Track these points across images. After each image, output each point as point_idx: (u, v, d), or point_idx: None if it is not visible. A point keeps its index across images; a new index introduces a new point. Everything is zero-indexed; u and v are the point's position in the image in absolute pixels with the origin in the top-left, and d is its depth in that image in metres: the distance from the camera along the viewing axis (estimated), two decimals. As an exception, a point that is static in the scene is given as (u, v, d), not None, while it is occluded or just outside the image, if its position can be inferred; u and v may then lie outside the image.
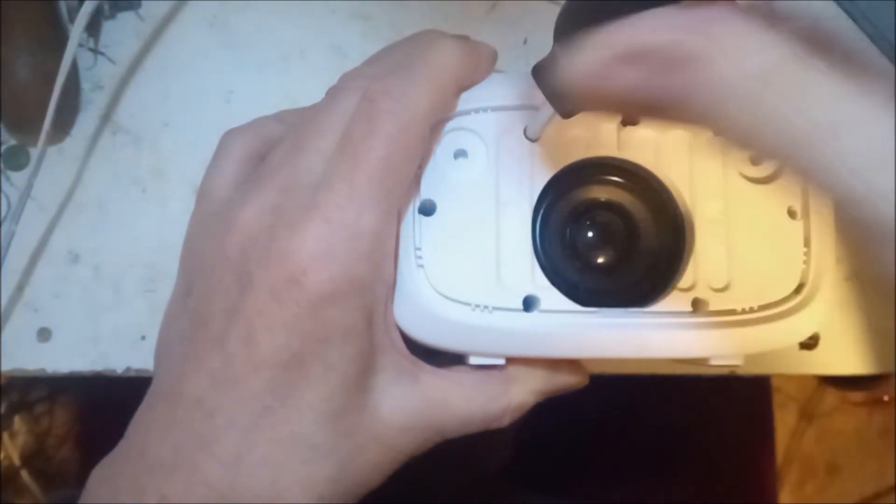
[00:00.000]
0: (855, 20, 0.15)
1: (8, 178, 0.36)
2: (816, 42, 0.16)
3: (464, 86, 0.26)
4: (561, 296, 0.26)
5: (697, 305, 0.26)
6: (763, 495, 0.57)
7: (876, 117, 0.15)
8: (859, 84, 0.16)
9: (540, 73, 0.22)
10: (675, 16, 0.16)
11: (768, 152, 0.17)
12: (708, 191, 0.26)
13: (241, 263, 0.24)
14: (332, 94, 0.26)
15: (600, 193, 0.27)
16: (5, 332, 0.35)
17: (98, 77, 0.37)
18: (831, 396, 1.10)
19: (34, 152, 0.33)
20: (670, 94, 0.16)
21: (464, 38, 0.27)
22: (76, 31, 0.32)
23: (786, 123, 0.16)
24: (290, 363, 0.23)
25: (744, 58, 0.16)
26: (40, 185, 0.35)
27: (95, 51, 0.37)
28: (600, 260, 0.27)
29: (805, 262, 0.26)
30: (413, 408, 0.25)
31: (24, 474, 0.84)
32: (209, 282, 0.24)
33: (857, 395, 1.10)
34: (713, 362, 0.26)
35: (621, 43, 0.17)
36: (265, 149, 0.27)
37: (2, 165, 0.36)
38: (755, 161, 0.27)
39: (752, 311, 0.26)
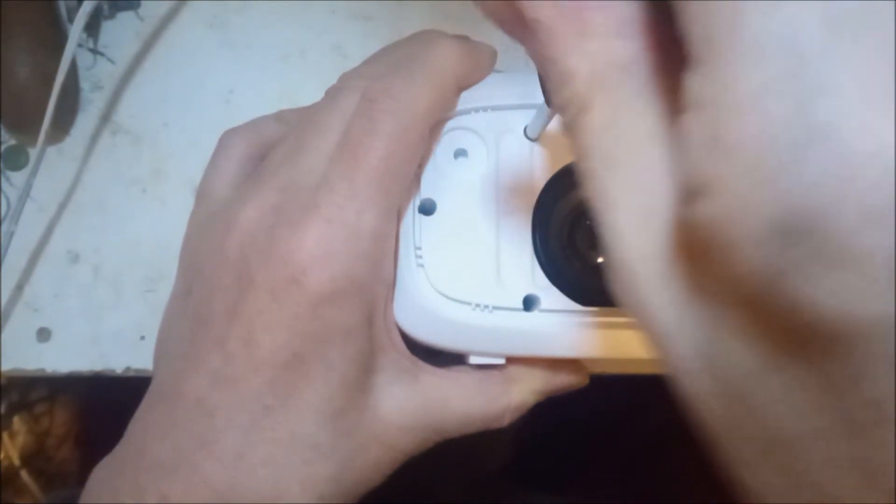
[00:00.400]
0: None
1: (7, 178, 0.36)
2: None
3: (464, 86, 0.26)
4: (561, 295, 0.26)
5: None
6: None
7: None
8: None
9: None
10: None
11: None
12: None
13: (241, 263, 0.24)
14: (332, 94, 0.26)
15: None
16: (5, 332, 0.35)
17: (98, 77, 0.37)
18: (831, 396, 1.10)
19: (34, 152, 0.33)
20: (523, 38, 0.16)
21: (464, 38, 0.27)
22: (76, 31, 0.32)
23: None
24: (291, 363, 0.23)
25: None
26: (40, 185, 0.35)
27: (95, 51, 0.37)
28: (600, 259, 0.27)
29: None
30: (413, 407, 0.25)
31: (24, 474, 0.84)
32: (209, 282, 0.24)
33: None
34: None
35: None
36: (265, 149, 0.27)
37: (1, 165, 0.36)
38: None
39: (752, 310, 0.26)
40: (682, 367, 0.14)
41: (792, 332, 0.11)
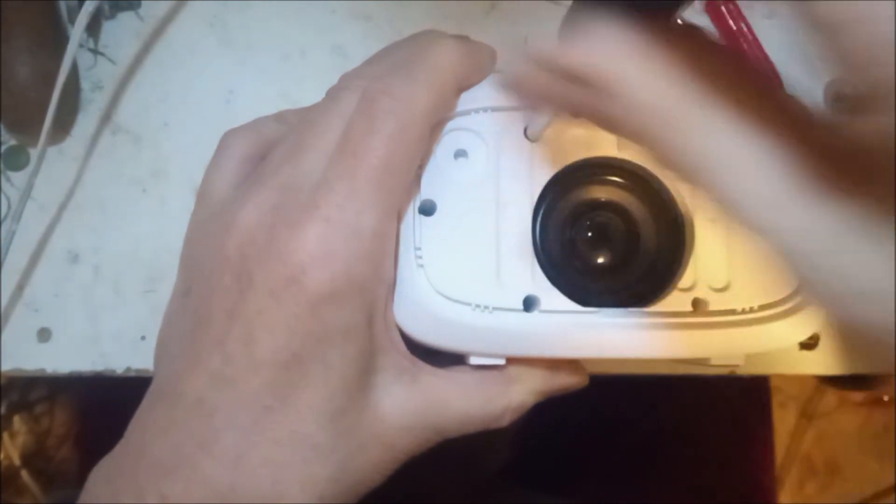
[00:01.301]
0: None
1: (8, 178, 0.36)
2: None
3: (464, 86, 0.26)
4: (561, 296, 0.26)
5: (697, 305, 0.26)
6: (763, 495, 0.57)
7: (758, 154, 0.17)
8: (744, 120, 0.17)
9: None
10: (599, 43, 0.18)
11: (680, 178, 0.18)
12: (708, 191, 0.26)
13: (241, 263, 0.24)
14: (332, 94, 0.26)
15: (600, 193, 0.27)
16: (5, 332, 0.35)
17: (98, 77, 0.37)
18: (831, 396, 1.10)
19: (34, 152, 0.33)
20: (582, 106, 0.19)
21: (464, 38, 0.27)
22: (76, 31, 0.32)
23: (683, 157, 0.17)
24: (291, 363, 0.23)
25: (644, 93, 0.17)
26: (40, 185, 0.35)
27: (95, 51, 0.37)
28: (600, 260, 0.27)
29: (805, 262, 0.26)
30: (413, 408, 0.25)
31: (24, 474, 0.84)
32: (209, 282, 0.24)
33: (857, 395, 1.10)
34: (713, 362, 0.26)
35: (548, 58, 0.19)
36: (265, 149, 0.27)
37: (2, 165, 0.36)
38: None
39: (752, 311, 0.26)
40: (810, 259, 0.16)
41: None
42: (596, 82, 0.18)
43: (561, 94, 0.19)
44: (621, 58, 0.18)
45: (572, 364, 0.28)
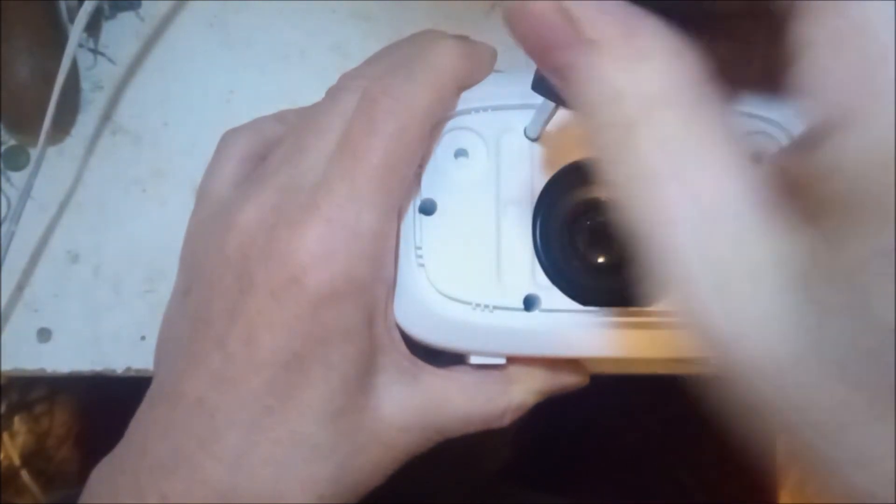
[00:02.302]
0: None
1: (8, 178, 0.36)
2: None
3: (464, 85, 0.26)
4: (562, 295, 0.26)
5: (698, 305, 0.26)
6: (763, 495, 0.57)
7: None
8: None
9: (544, 82, 0.22)
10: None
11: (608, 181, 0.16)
12: (708, 190, 0.26)
13: (241, 263, 0.24)
14: (332, 94, 0.26)
15: (601, 193, 0.27)
16: (5, 332, 0.35)
17: (98, 77, 0.37)
18: (831, 396, 1.10)
19: (34, 152, 0.33)
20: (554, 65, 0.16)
21: (464, 38, 0.27)
22: (76, 31, 0.32)
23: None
24: (291, 363, 0.23)
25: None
26: (40, 185, 0.35)
27: (95, 51, 0.37)
28: (601, 259, 0.27)
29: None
30: (413, 407, 0.25)
31: (24, 474, 0.84)
32: (209, 282, 0.24)
33: (856, 395, 1.10)
34: (713, 362, 0.26)
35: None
36: (265, 149, 0.27)
37: (2, 165, 0.36)
38: (756, 159, 0.27)
39: (752, 310, 0.26)
40: (770, 360, 0.14)
41: None
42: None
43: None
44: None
45: (572, 364, 0.28)
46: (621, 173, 0.15)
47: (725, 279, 0.14)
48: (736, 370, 0.14)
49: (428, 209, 0.26)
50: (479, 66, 0.27)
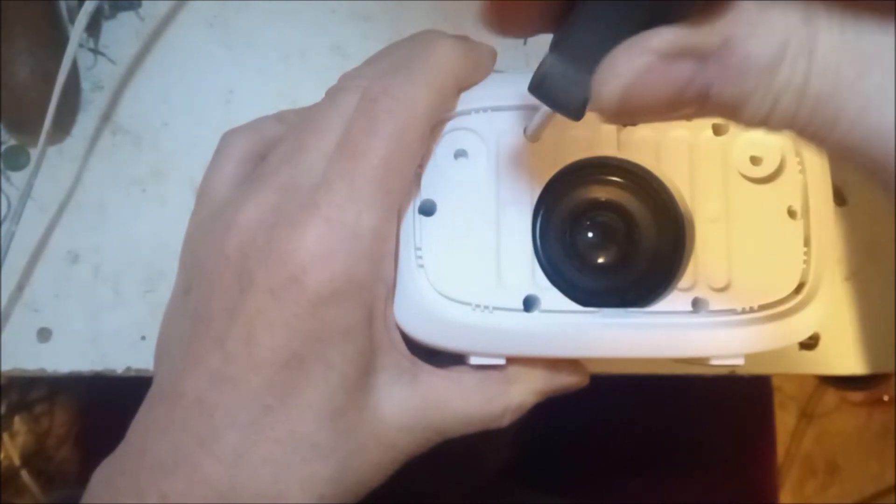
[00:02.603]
0: None
1: (8, 178, 0.36)
2: None
3: (464, 86, 0.26)
4: (561, 296, 0.26)
5: (698, 305, 0.26)
6: (763, 495, 0.57)
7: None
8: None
9: (542, 87, 0.22)
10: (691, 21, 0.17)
11: (802, 120, 0.17)
12: (708, 191, 0.26)
13: (241, 263, 0.24)
14: (332, 94, 0.26)
15: (600, 193, 0.27)
16: (5, 332, 0.35)
17: (98, 77, 0.37)
18: (831, 396, 1.10)
19: (34, 152, 0.33)
20: (709, 85, 0.18)
21: (464, 38, 0.27)
22: (76, 31, 0.32)
23: (809, 86, 0.17)
24: (291, 362, 0.23)
25: (761, 35, 0.17)
26: (40, 185, 0.35)
27: (95, 51, 0.37)
28: (600, 260, 0.27)
29: (805, 262, 0.26)
30: (413, 407, 0.25)
31: (24, 474, 0.84)
32: (209, 281, 0.24)
33: (857, 395, 1.10)
34: (713, 362, 0.26)
35: (660, 46, 0.17)
36: (265, 149, 0.27)
37: (2, 165, 0.36)
38: (755, 161, 0.27)
39: (752, 310, 0.26)
40: None
41: None
42: (708, 45, 0.17)
43: (687, 78, 0.17)
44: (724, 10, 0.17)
45: (572, 364, 0.28)
46: (825, 107, 0.16)
47: None
48: None
49: (428, 210, 0.26)
50: (479, 66, 0.27)
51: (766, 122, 0.17)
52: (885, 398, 1.11)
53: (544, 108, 0.24)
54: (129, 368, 0.35)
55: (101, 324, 0.35)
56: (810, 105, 0.17)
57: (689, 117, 0.18)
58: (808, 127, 0.17)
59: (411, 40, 0.27)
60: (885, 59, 0.16)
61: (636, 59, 0.17)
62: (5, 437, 0.84)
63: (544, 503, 0.51)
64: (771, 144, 0.27)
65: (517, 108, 0.26)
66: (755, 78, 0.17)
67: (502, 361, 0.26)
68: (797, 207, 0.27)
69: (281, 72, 0.37)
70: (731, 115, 0.18)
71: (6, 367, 0.35)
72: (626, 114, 0.18)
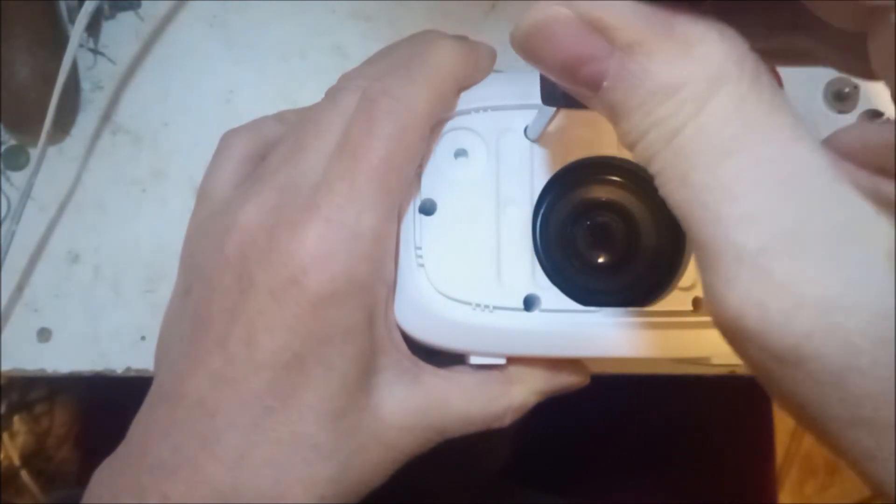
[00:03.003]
0: None
1: (8, 178, 0.36)
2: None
3: (464, 86, 0.26)
4: (561, 295, 0.26)
5: (698, 305, 0.26)
6: (763, 495, 0.57)
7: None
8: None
9: (555, 94, 0.22)
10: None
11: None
12: (708, 190, 0.26)
13: (241, 264, 0.24)
14: (332, 94, 0.26)
15: (601, 193, 0.27)
16: (5, 332, 0.35)
17: (98, 77, 0.37)
18: (831, 396, 1.10)
19: (34, 152, 0.33)
20: (604, 77, 0.16)
21: (463, 38, 0.27)
22: (76, 31, 0.32)
23: (680, 135, 0.16)
24: (291, 363, 0.23)
25: (673, 61, 0.16)
26: (40, 185, 0.35)
27: (95, 51, 0.37)
28: (601, 259, 0.27)
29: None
30: (414, 408, 0.25)
31: (24, 474, 0.84)
32: (209, 282, 0.24)
33: (856, 395, 1.10)
34: (713, 362, 0.26)
35: (586, 9, 0.16)
36: (265, 149, 0.27)
37: (2, 165, 0.36)
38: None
39: (752, 310, 0.26)
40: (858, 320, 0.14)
41: None
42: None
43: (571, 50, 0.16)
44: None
45: (573, 364, 0.28)
46: (681, 163, 0.15)
47: (803, 241, 0.14)
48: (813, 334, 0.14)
49: (428, 209, 0.26)
50: (478, 66, 0.27)
51: (633, 147, 0.16)
52: (885, 398, 1.11)
53: (547, 110, 0.24)
54: (129, 368, 0.35)
55: (101, 324, 0.35)
56: (671, 153, 0.15)
57: (588, 103, 0.17)
58: (661, 173, 0.16)
59: (411, 40, 0.27)
60: (756, 153, 0.15)
61: (558, 6, 0.17)
62: (5, 437, 0.84)
63: (544, 503, 0.51)
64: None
65: (517, 107, 0.26)
66: (642, 96, 0.16)
67: (503, 361, 0.26)
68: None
69: (281, 72, 0.37)
70: (613, 123, 0.17)
71: (6, 367, 0.35)
72: (526, 52, 0.17)
